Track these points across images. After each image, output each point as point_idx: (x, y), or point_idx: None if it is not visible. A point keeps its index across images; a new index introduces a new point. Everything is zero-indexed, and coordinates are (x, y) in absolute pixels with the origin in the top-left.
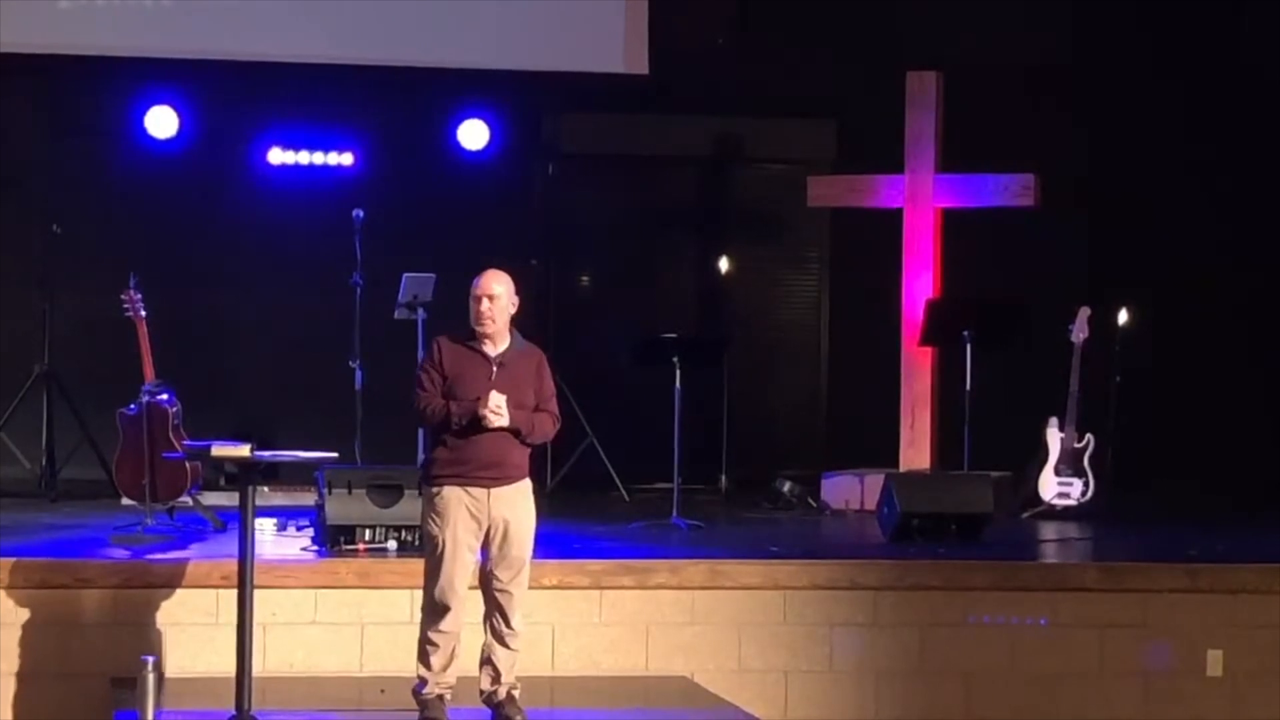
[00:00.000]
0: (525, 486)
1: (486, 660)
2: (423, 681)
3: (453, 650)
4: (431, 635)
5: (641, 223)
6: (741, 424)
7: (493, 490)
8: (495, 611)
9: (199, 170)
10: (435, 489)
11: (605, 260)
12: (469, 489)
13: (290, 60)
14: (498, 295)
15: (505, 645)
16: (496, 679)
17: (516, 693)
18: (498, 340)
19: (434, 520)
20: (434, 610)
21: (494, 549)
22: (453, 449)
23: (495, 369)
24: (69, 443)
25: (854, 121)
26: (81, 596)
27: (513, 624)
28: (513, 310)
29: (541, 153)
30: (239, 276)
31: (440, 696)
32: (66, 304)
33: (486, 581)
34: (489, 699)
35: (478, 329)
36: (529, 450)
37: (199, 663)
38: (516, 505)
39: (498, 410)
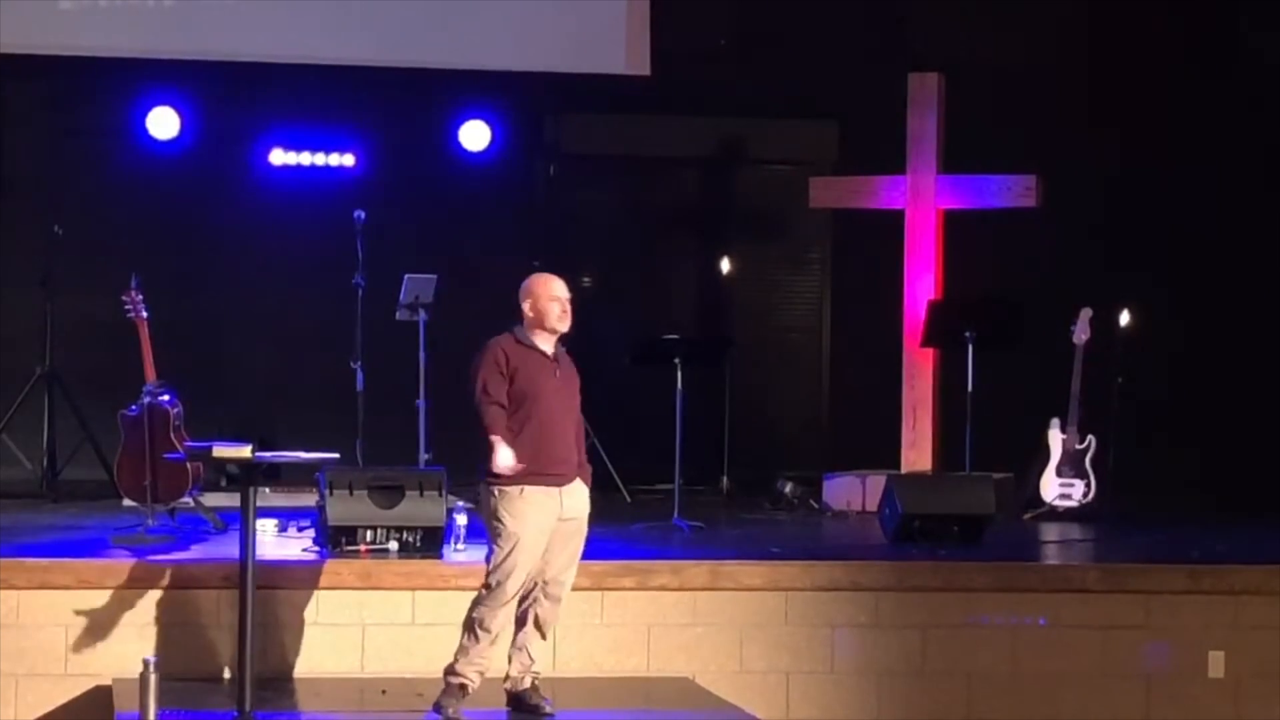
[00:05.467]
0: (584, 485)
1: (519, 649)
2: (456, 663)
3: (497, 639)
4: (488, 626)
5: (643, 223)
6: (743, 425)
7: (564, 487)
8: (543, 603)
9: (200, 171)
10: (513, 488)
11: (606, 261)
12: (547, 489)
13: (291, 60)
14: (569, 297)
15: (543, 636)
16: (527, 667)
17: (539, 681)
18: (552, 341)
19: (510, 516)
20: (495, 602)
21: (556, 543)
22: (528, 449)
23: (557, 369)
24: (70, 443)
25: (856, 122)
26: (82, 597)
27: (557, 617)
28: None
29: (543, 153)
30: (240, 277)
31: (464, 684)
32: (68, 304)
33: (538, 575)
34: (514, 686)
35: (561, 329)
36: None
37: (200, 664)
38: (581, 502)
39: (505, 465)
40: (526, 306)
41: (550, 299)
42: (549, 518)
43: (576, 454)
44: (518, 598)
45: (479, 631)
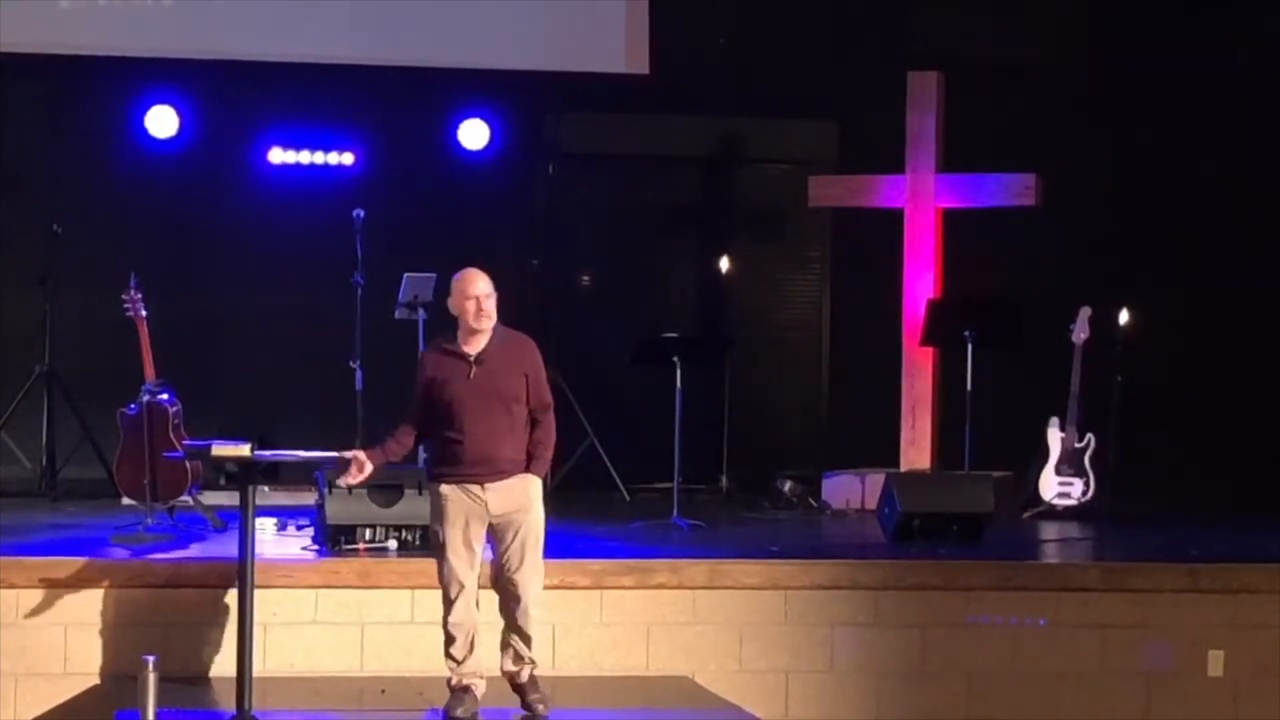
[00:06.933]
0: (526, 480)
1: (505, 645)
2: (450, 672)
3: (470, 640)
4: (448, 627)
5: (642, 223)
6: (742, 424)
7: (488, 485)
8: (508, 599)
9: (199, 170)
10: (434, 486)
11: (605, 260)
12: (465, 486)
13: (290, 60)
14: (491, 294)
15: (522, 630)
16: (518, 659)
17: (537, 672)
18: (481, 337)
19: (433, 516)
20: (446, 602)
21: (499, 542)
22: (445, 449)
23: (473, 369)
24: (69, 442)
25: (855, 121)
26: (82, 596)
27: (529, 610)
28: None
29: (542, 153)
30: (240, 276)
31: (466, 687)
32: (67, 304)
33: (497, 573)
34: (512, 679)
35: (477, 327)
36: (523, 444)
37: (199, 663)
38: (517, 496)
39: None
40: (450, 306)
41: (466, 298)
42: (472, 517)
43: (509, 447)
44: (467, 600)
45: (446, 635)
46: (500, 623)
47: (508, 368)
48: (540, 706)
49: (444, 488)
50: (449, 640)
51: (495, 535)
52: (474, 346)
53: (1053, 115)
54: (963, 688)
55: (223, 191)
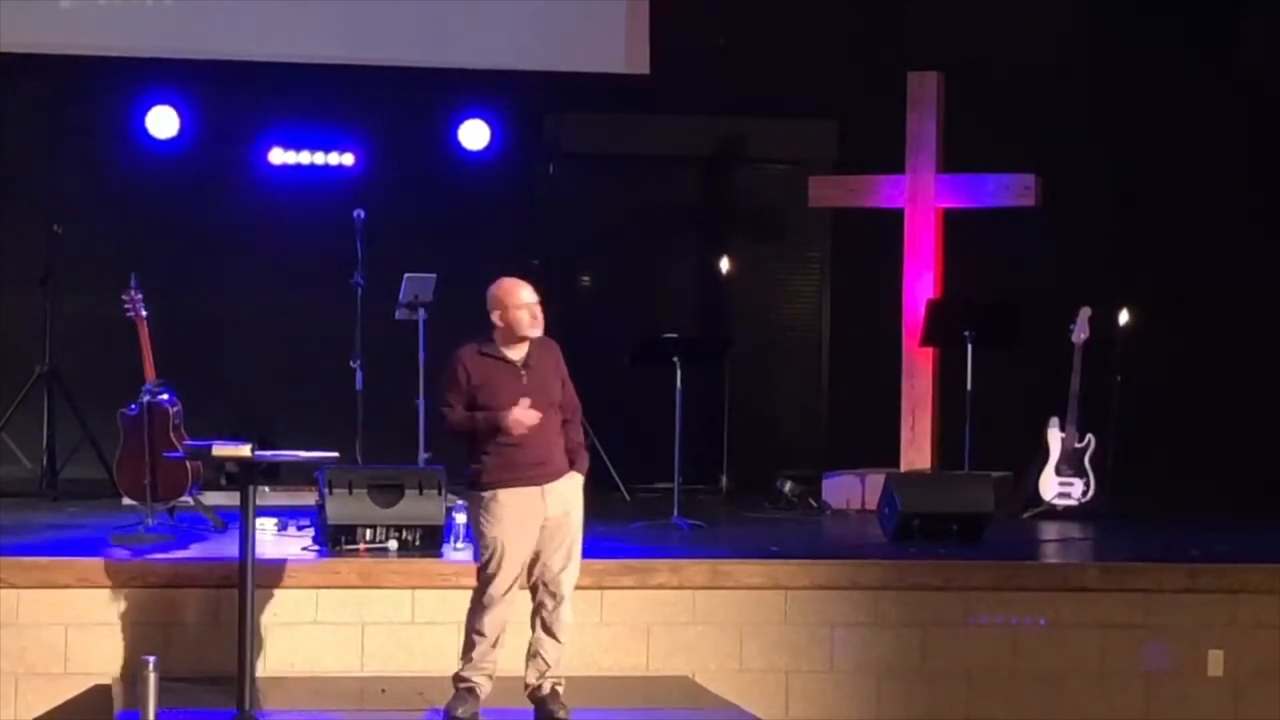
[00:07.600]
0: (575, 478)
1: (534, 654)
2: (464, 667)
3: (496, 641)
4: (480, 627)
5: (642, 223)
6: (742, 424)
7: (545, 486)
8: (547, 603)
9: (200, 170)
10: (488, 493)
11: (605, 260)
12: (525, 489)
13: (290, 60)
14: (537, 299)
15: (555, 638)
16: (543, 672)
17: (560, 688)
18: (525, 343)
19: (488, 522)
20: (485, 606)
21: (548, 541)
22: (499, 454)
23: (524, 374)
24: (70, 442)
25: (855, 121)
26: (82, 596)
27: (564, 616)
28: None
29: (542, 153)
30: (240, 276)
31: (471, 687)
32: (67, 304)
33: (540, 575)
34: (534, 693)
35: (531, 334)
36: (563, 444)
37: (200, 663)
38: (569, 496)
39: (520, 421)
40: (495, 318)
41: (518, 307)
42: (530, 519)
43: (559, 447)
44: (530, 600)
45: (474, 636)
46: (513, 625)
47: (549, 372)
48: (560, 713)
49: (501, 493)
50: (478, 638)
51: (545, 537)
52: (519, 352)
53: (1053, 115)
54: (963, 688)
55: (223, 191)
